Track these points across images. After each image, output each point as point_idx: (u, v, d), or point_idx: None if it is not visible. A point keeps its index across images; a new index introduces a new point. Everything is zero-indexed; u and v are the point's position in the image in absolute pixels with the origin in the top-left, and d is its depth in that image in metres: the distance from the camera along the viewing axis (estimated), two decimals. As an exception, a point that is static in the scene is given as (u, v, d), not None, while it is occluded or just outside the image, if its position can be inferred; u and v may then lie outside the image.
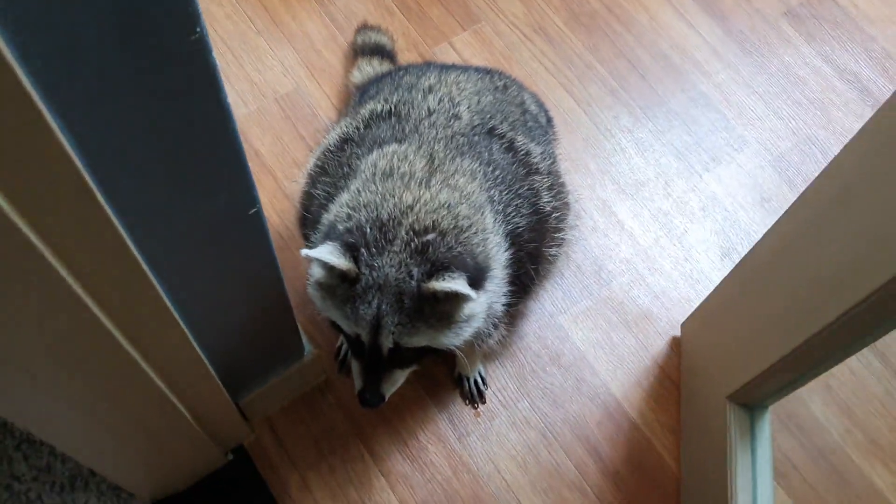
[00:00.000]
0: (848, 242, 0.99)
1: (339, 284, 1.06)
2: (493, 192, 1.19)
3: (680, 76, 1.97)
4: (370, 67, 1.75)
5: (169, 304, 0.83)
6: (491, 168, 1.20)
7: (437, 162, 1.15)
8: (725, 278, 1.41)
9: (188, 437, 1.18)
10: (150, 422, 1.03)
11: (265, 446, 1.47)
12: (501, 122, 1.28)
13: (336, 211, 1.12)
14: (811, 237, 1.11)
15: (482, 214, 1.13)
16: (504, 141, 1.25)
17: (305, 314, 1.59)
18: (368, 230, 1.05)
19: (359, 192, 1.11)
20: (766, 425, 1.28)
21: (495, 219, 1.17)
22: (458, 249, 1.06)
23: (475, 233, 1.09)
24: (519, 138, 1.28)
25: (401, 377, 1.17)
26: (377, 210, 1.07)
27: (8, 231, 0.56)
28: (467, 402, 1.55)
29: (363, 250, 1.04)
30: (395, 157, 1.15)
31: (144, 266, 0.74)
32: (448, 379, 1.57)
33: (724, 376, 1.33)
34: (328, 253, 1.02)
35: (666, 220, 1.78)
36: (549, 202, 1.28)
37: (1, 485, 1.38)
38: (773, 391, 1.22)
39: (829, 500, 1.52)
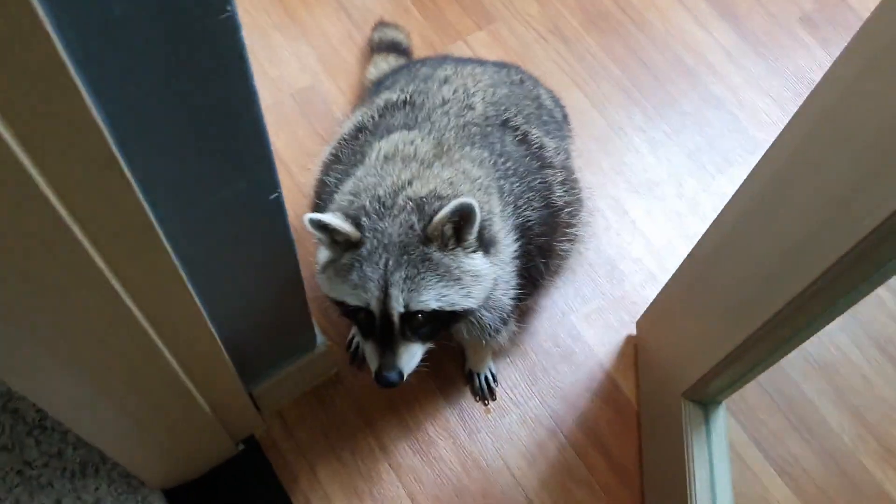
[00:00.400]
0: (784, 234, 1.00)
1: (343, 254, 1.06)
2: (503, 182, 1.19)
3: (693, 77, 1.97)
4: (385, 64, 1.75)
5: (188, 283, 0.83)
6: (503, 159, 1.20)
7: (444, 147, 1.15)
8: (673, 275, 1.40)
9: (201, 424, 1.18)
10: (164, 405, 1.04)
11: (275, 437, 1.48)
12: (516, 115, 1.28)
13: (339, 199, 1.13)
14: (749, 231, 1.11)
15: (488, 197, 1.13)
16: (518, 133, 1.26)
17: (318, 307, 1.59)
18: (367, 203, 1.06)
19: (360, 178, 1.12)
20: (721, 420, 1.28)
21: (504, 209, 1.17)
22: None
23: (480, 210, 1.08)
24: (533, 131, 1.28)
25: (417, 352, 1.13)
26: (375, 189, 1.08)
27: (38, 202, 0.57)
28: (478, 398, 1.55)
29: (364, 219, 1.05)
30: (401, 141, 1.15)
31: (166, 244, 0.74)
32: (459, 375, 1.57)
33: (677, 373, 1.34)
34: (332, 216, 1.03)
35: (678, 220, 1.78)
36: (561, 196, 1.28)
37: (13, 470, 1.39)
38: (725, 386, 1.23)
39: (839, 504, 1.51)
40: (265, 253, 0.99)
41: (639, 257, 1.73)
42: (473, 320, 1.18)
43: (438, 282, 1.04)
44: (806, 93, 2.03)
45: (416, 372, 1.56)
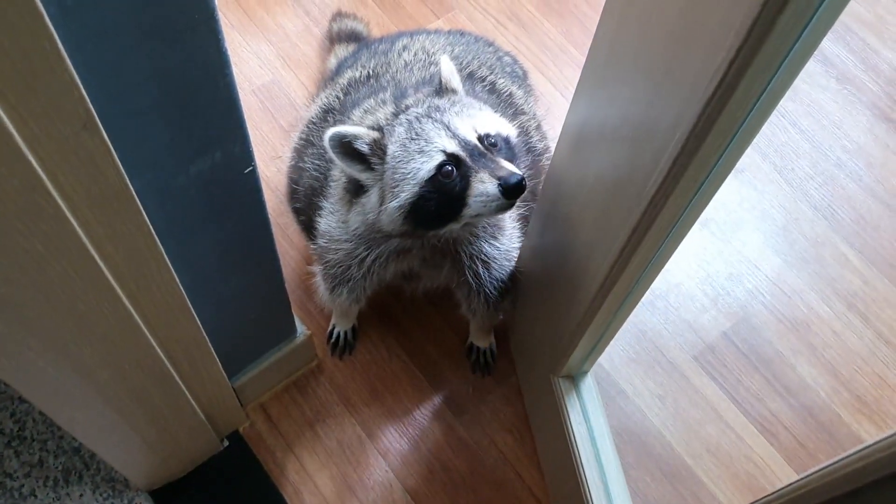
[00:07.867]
0: (592, 205, 1.00)
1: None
2: None
3: (651, 56, 2.00)
4: (347, 53, 1.76)
5: (167, 259, 0.83)
6: None
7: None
8: (520, 258, 1.37)
9: (186, 416, 1.17)
10: (148, 395, 1.02)
11: (260, 431, 1.46)
12: (479, 67, 1.31)
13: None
14: (566, 202, 1.10)
15: None
16: (485, 83, 1.28)
17: (296, 299, 1.58)
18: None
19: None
20: (592, 387, 1.29)
21: None
22: None
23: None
24: (500, 80, 1.31)
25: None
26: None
27: (18, 162, 0.56)
28: (475, 372, 1.55)
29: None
30: (373, 100, 1.17)
31: (144, 214, 0.74)
32: (441, 357, 1.57)
33: (542, 356, 1.35)
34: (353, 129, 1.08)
35: (645, 193, 1.80)
36: (539, 140, 1.31)
37: (-8, 483, 1.36)
38: (584, 357, 1.24)
39: (819, 457, 1.54)
40: (241, 231, 0.99)
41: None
42: (478, 291, 1.21)
43: (481, 109, 1.06)
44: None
45: (398, 358, 1.57)
